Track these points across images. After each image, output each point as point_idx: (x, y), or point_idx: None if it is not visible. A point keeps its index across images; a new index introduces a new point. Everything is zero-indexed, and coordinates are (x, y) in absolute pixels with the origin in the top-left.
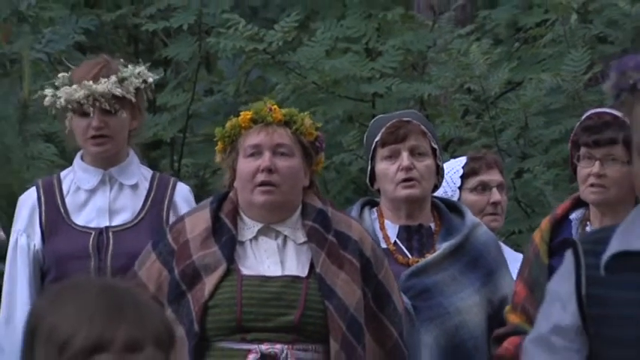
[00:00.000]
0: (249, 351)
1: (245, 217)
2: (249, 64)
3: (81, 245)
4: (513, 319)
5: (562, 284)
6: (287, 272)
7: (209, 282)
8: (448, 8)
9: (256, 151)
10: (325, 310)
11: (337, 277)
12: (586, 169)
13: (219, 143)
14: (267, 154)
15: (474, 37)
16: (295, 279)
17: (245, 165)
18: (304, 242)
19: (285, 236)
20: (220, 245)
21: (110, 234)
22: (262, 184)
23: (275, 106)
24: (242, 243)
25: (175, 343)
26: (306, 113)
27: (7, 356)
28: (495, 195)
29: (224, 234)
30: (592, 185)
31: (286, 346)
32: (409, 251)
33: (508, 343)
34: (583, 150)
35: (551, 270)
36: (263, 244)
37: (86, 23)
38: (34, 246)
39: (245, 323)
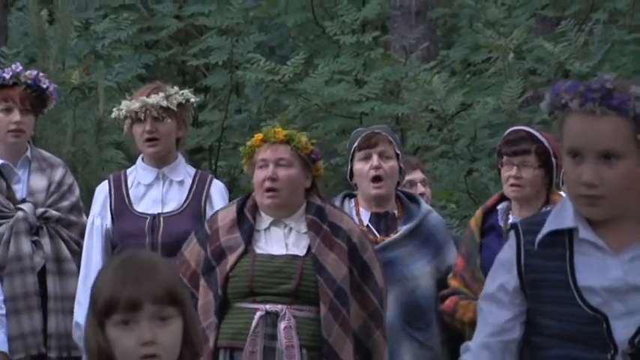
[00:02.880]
0: (257, 309)
1: (262, 212)
2: (268, 90)
3: (139, 227)
4: (454, 283)
5: (506, 256)
6: (289, 252)
7: (231, 258)
8: (416, 49)
9: (264, 164)
10: (316, 281)
11: (328, 257)
12: (507, 172)
13: (243, 158)
14: (271, 166)
15: (435, 70)
16: (295, 257)
17: (256, 174)
18: (305, 232)
19: (291, 227)
20: (241, 232)
21: (161, 219)
22: (267, 190)
23: (279, 129)
24: (258, 231)
25: (182, 299)
26: (304, 133)
27: (84, 308)
28: (420, 189)
29: (245, 224)
30: (512, 185)
31: (285, 307)
32: (378, 232)
33: (449, 301)
34: (505, 158)
35: (481, 247)
36: (273, 233)
37: (146, 60)
38: (106, 225)
39: (255, 289)
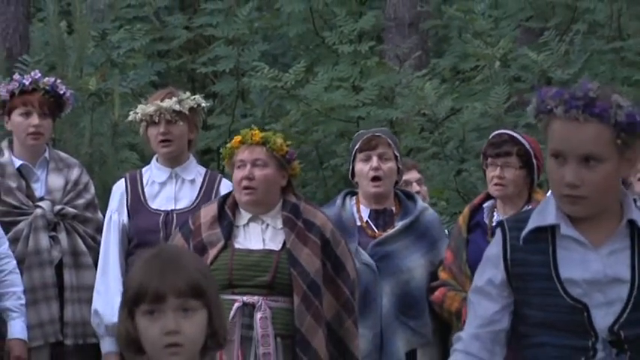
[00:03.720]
0: (235, 301)
1: (241, 209)
2: (271, 96)
3: (154, 222)
4: (443, 275)
5: (493, 251)
6: (266, 247)
7: (211, 253)
8: (409, 57)
9: (242, 164)
10: (290, 274)
11: (302, 251)
12: (491, 173)
13: (225, 159)
14: (248, 166)
15: (427, 77)
16: (271, 252)
17: (235, 174)
18: (281, 228)
19: (268, 223)
20: (222, 228)
21: (174, 215)
22: (244, 188)
23: (256, 131)
24: (238, 227)
25: (206, 293)
26: (279, 134)
27: (102, 296)
28: (415, 187)
29: (225, 220)
30: (495, 184)
31: (262, 298)
32: (376, 227)
33: (438, 292)
34: (489, 159)
35: (468, 242)
36: (252, 228)
37: (158, 68)
38: (123, 221)
39: (234, 282)
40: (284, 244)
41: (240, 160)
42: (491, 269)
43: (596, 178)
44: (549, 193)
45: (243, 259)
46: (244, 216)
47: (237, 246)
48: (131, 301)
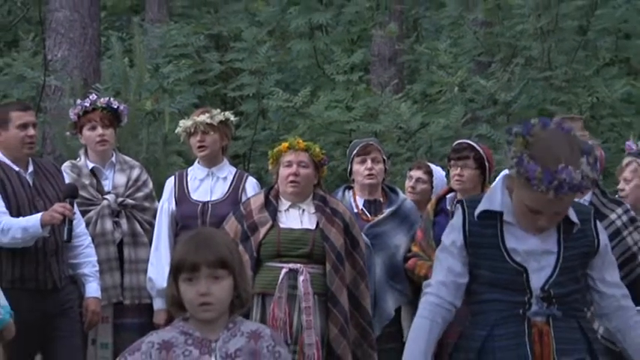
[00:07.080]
0: (282, 267)
1: (282, 198)
2: (284, 114)
3: (194, 211)
4: (415, 249)
5: (456, 221)
6: (304, 226)
7: (262, 230)
8: (389, 84)
9: (289, 164)
10: (324, 247)
11: (331, 231)
12: (453, 172)
13: (270, 159)
14: (294, 166)
15: (403, 99)
16: (308, 230)
17: (282, 171)
18: (314, 212)
19: (304, 209)
20: (269, 212)
21: (210, 205)
22: (291, 182)
23: (300, 140)
24: (281, 211)
25: (231, 264)
26: (317, 144)
27: (155, 267)
28: (412, 182)
29: (271, 206)
30: (456, 181)
31: (303, 266)
32: (369, 213)
33: (411, 261)
34: (452, 162)
35: (434, 224)
36: (291, 213)
37: (198, 92)
38: (172, 208)
39: (281, 252)
40: (317, 224)
41: (288, 161)
42: (454, 234)
43: (561, 217)
44: (495, 182)
45: (288, 236)
46: (285, 203)
47: (281, 226)
48: (175, 271)
